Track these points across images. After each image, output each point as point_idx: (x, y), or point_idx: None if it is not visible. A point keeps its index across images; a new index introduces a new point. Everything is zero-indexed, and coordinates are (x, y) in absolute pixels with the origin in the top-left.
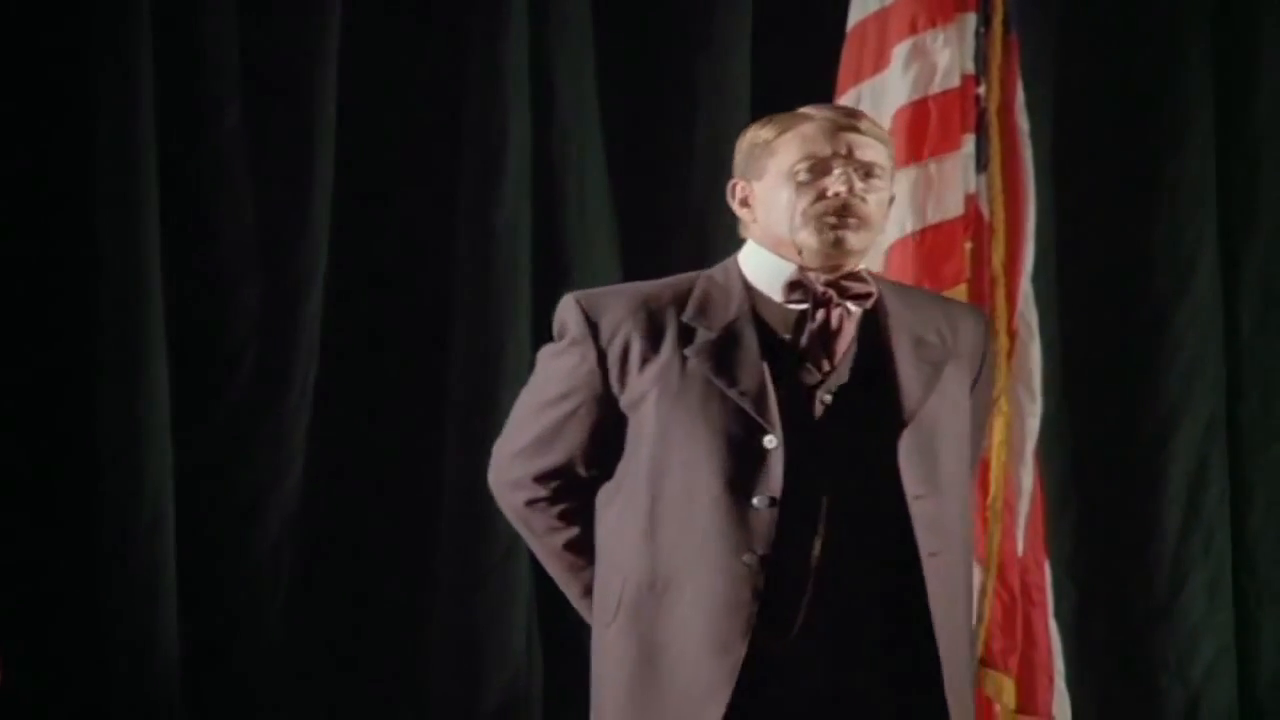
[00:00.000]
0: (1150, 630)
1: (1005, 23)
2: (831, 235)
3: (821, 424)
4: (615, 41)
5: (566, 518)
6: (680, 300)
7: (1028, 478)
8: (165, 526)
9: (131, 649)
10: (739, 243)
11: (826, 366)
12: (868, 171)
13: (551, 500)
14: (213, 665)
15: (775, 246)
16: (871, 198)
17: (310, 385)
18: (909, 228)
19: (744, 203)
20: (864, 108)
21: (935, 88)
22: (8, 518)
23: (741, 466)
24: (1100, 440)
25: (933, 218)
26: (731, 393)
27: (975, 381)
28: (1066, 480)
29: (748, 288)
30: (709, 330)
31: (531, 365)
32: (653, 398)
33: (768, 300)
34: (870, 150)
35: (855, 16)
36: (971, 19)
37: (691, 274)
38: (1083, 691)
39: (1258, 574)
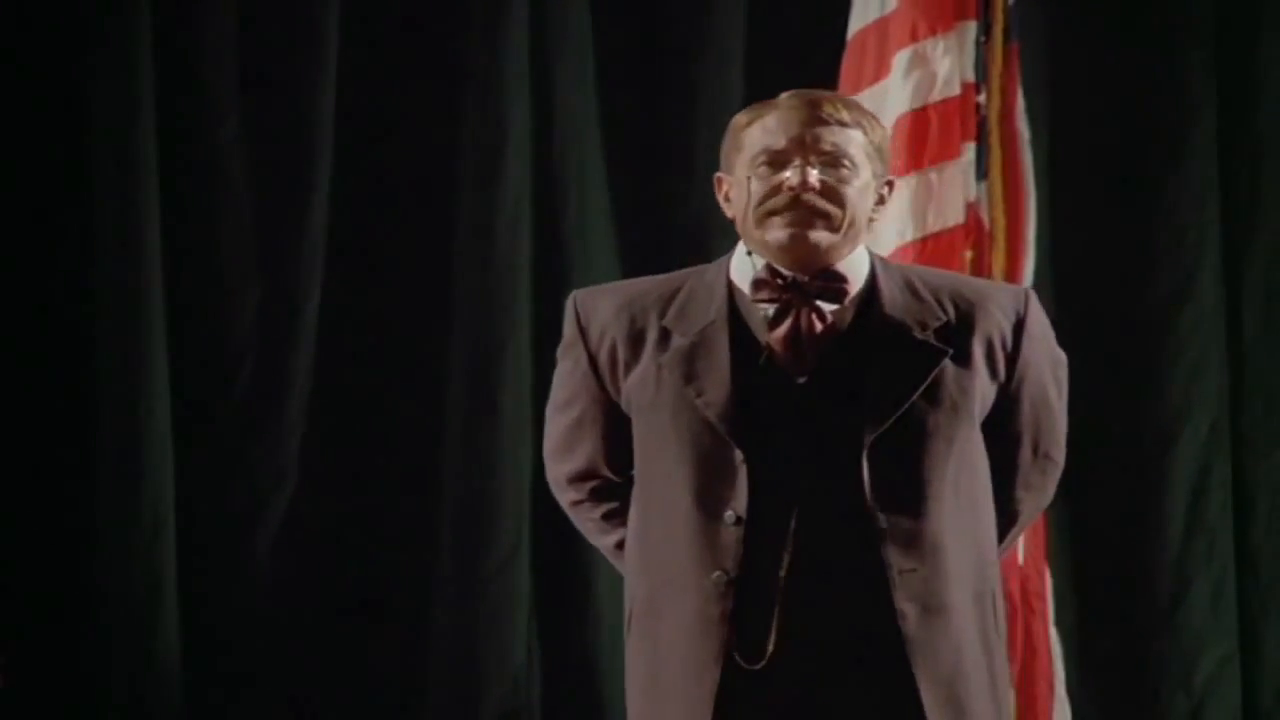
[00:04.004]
0: (1153, 638)
1: (1006, 31)
2: (785, 232)
3: (790, 435)
4: (614, 46)
5: (611, 519)
6: (665, 301)
7: None
8: (166, 532)
9: (132, 655)
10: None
11: (800, 372)
12: (831, 161)
13: (592, 502)
14: (213, 672)
15: (749, 244)
16: (838, 189)
17: (309, 389)
18: (909, 236)
19: (726, 197)
20: None
21: (935, 96)
22: (9, 525)
23: (712, 481)
24: (1102, 447)
25: (933, 226)
26: (699, 403)
27: (1011, 364)
28: (1068, 488)
29: (731, 287)
30: (684, 335)
31: (531, 368)
32: (636, 406)
33: (749, 300)
34: (836, 137)
35: (855, 25)
36: (972, 27)
37: (687, 271)
38: (1084, 701)
39: (1261, 581)
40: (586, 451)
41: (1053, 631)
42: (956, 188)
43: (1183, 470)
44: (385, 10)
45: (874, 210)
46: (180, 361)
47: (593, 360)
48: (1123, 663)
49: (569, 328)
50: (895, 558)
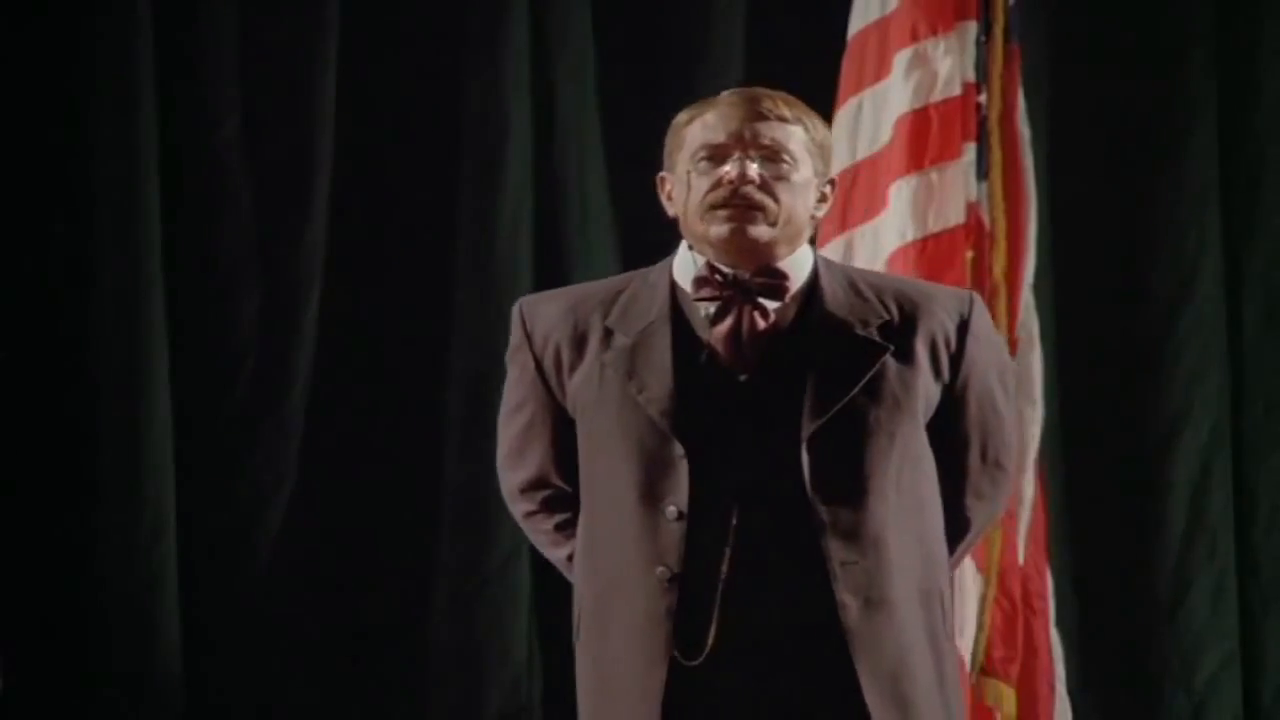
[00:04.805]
0: (1154, 638)
1: (1006, 31)
2: (725, 227)
3: (731, 430)
4: (615, 46)
5: (563, 530)
6: (608, 302)
7: (1029, 486)
8: (166, 534)
9: (133, 656)
10: None
11: (741, 369)
12: (770, 156)
13: (545, 512)
14: (214, 675)
15: (691, 241)
16: (777, 184)
17: (309, 390)
18: (910, 236)
19: (668, 196)
20: (865, 116)
21: (936, 96)
22: (9, 528)
23: (654, 477)
24: (1103, 448)
25: (934, 226)
26: (641, 399)
27: (955, 364)
28: (1069, 488)
29: (674, 286)
30: (626, 335)
31: None
32: (580, 406)
33: (691, 299)
34: (776, 133)
35: (856, 25)
36: (972, 27)
37: (632, 273)
38: (1085, 700)
39: (1262, 581)
40: (537, 458)
41: (1054, 631)
42: (958, 188)
43: (1183, 470)
44: (386, 10)
45: (816, 207)
46: (180, 362)
47: (539, 364)
48: (1124, 663)
49: (515, 334)
50: (836, 549)
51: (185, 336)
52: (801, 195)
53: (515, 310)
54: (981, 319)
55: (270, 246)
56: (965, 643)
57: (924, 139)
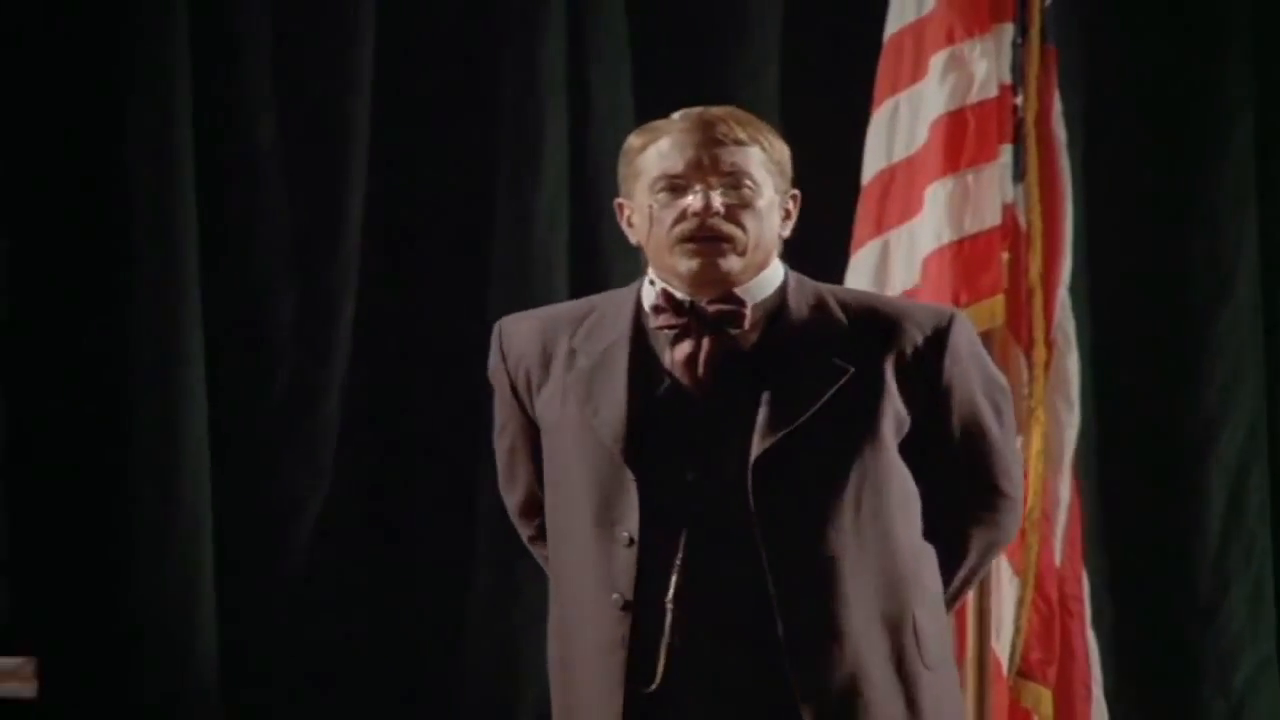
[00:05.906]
0: (1191, 640)
1: (1042, 33)
2: (696, 261)
3: (682, 456)
4: (651, 49)
5: None
6: (576, 323)
7: (1065, 488)
8: (202, 538)
9: (169, 657)
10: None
11: (700, 393)
12: (733, 183)
13: (544, 539)
14: (249, 677)
15: (658, 271)
16: (743, 211)
17: (346, 391)
18: (946, 238)
19: (629, 222)
20: (901, 118)
21: (973, 98)
22: (45, 530)
23: (608, 502)
24: (1139, 450)
25: (970, 228)
26: (595, 423)
27: (931, 384)
28: (1105, 490)
29: (639, 308)
30: (588, 357)
31: None
32: (545, 428)
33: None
34: (735, 157)
35: (892, 27)
36: (1009, 29)
37: (605, 293)
38: (1122, 703)
39: None
40: (524, 479)
41: (1090, 634)
42: (994, 190)
43: (1221, 472)
44: (422, 10)
45: (781, 226)
46: (217, 364)
47: (513, 385)
48: (1161, 665)
49: (493, 355)
50: (783, 580)
51: (221, 340)
52: (767, 219)
53: (495, 331)
54: (961, 337)
55: (306, 250)
56: (1002, 645)
57: (960, 141)
